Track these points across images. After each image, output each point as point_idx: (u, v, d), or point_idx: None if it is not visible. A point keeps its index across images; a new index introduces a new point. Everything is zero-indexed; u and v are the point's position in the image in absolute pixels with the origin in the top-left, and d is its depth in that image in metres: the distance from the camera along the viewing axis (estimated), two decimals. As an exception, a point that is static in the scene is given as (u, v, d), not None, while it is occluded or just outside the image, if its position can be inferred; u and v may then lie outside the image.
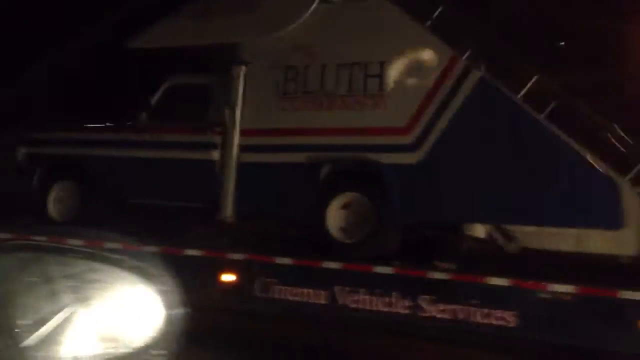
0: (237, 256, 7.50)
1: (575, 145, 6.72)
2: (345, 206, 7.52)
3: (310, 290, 7.12)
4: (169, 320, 1.77)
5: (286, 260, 7.25)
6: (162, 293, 1.79)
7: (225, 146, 8.16)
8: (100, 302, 1.79)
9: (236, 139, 8.13)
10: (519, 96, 7.37)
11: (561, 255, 6.97)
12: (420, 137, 7.20)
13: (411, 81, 7.36)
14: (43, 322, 1.72)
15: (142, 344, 1.76)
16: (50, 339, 1.71)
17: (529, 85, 7.40)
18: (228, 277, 7.51)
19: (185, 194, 8.28)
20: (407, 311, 6.62)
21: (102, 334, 1.77)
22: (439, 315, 6.49)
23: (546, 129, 6.82)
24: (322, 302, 7.05)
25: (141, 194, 8.56)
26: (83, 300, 1.78)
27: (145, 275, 1.81)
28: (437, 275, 6.59)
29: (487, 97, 7.02)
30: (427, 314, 6.54)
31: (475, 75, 7.09)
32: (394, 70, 7.42)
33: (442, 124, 7.12)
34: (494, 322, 6.28)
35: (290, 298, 7.18)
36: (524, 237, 7.18)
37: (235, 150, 8.11)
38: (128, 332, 1.80)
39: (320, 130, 7.69)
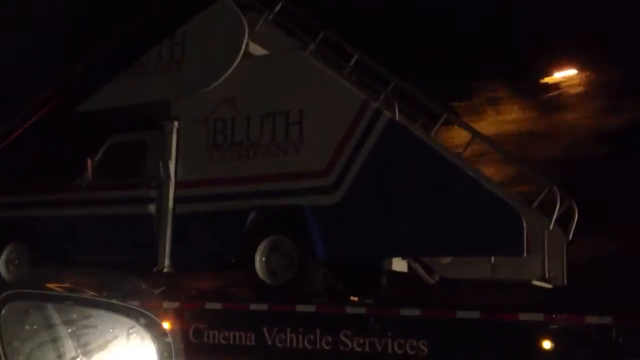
0: (171, 305, 7.74)
1: (480, 178, 7.05)
2: (273, 250, 7.80)
3: (241, 333, 7.36)
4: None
5: (216, 306, 7.50)
6: (157, 337, 1.87)
7: (160, 199, 8.49)
8: (100, 347, 1.84)
9: (171, 191, 8.46)
10: (431, 134, 7.78)
11: (477, 283, 7.24)
12: (339, 179, 7.53)
13: (328, 126, 7.72)
14: None
15: None
16: None
17: (439, 123, 7.82)
18: (165, 326, 7.74)
19: (125, 249, 8.54)
20: (328, 347, 6.85)
21: None
22: (357, 349, 6.72)
23: (453, 164, 7.17)
24: (252, 343, 7.28)
25: (84, 251, 8.84)
26: (83, 345, 1.81)
27: (141, 318, 1.87)
28: (355, 311, 6.83)
29: (397, 137, 7.37)
30: (347, 348, 6.77)
31: (385, 117, 7.46)
32: (312, 117, 7.80)
33: (358, 164, 7.46)
34: (409, 351, 6.51)
35: (222, 341, 7.40)
36: (443, 268, 7.45)
37: (170, 202, 8.43)
38: None
39: (247, 178, 8.02)
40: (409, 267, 7.55)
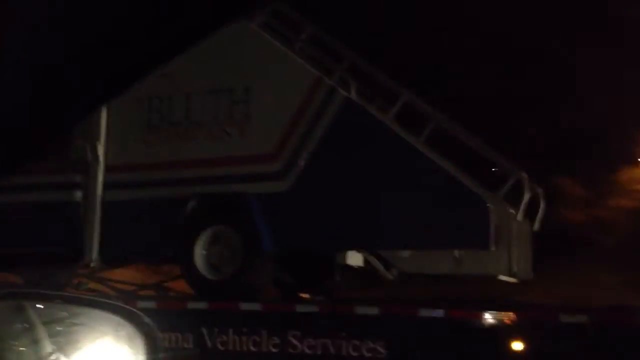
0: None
1: (443, 165, 6.49)
2: (214, 241, 7.06)
3: (177, 335, 6.61)
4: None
5: (150, 304, 6.74)
6: (145, 334, 1.84)
7: (88, 185, 7.64)
8: (85, 347, 1.84)
9: (100, 177, 7.62)
10: (388, 116, 7.15)
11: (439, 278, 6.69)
12: (288, 163, 6.86)
13: (276, 105, 7.04)
14: None
15: None
16: None
17: (398, 105, 7.20)
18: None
19: (48, 240, 7.68)
20: (276, 349, 6.18)
21: None
22: (308, 351, 6.06)
23: (415, 150, 6.58)
24: (189, 345, 6.54)
25: (2, 241, 7.91)
26: (68, 344, 1.82)
27: (128, 316, 1.86)
28: (305, 309, 6.18)
29: (353, 118, 6.74)
30: (297, 351, 6.11)
31: (340, 96, 6.81)
32: (259, 95, 7.10)
33: (309, 148, 6.81)
34: (365, 354, 5.89)
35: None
36: (402, 262, 6.84)
37: (98, 189, 7.59)
38: None
39: (186, 162, 7.27)
40: (365, 261, 6.91)
